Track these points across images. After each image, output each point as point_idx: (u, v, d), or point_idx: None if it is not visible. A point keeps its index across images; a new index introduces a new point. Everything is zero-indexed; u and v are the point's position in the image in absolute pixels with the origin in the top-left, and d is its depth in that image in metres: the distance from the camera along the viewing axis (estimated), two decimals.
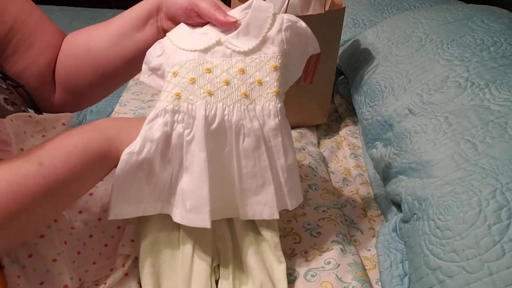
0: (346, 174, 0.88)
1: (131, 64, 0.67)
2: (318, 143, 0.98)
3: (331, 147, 0.96)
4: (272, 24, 0.56)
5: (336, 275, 0.60)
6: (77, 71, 0.69)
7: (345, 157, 0.94)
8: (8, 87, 0.62)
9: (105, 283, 0.53)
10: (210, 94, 0.53)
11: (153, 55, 0.57)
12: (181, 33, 0.57)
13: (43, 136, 0.55)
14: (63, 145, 0.48)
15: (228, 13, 0.56)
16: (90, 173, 0.51)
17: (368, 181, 0.86)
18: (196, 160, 0.52)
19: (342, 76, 1.17)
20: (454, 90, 0.75)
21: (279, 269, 0.59)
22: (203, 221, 0.53)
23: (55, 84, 0.71)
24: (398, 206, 0.73)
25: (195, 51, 0.55)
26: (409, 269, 0.62)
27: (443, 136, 0.68)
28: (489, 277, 0.51)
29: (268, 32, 0.56)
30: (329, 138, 1.00)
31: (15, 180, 0.44)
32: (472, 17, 0.89)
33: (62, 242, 0.53)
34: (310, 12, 0.88)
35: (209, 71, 0.53)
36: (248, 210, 0.57)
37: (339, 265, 0.62)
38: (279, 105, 0.54)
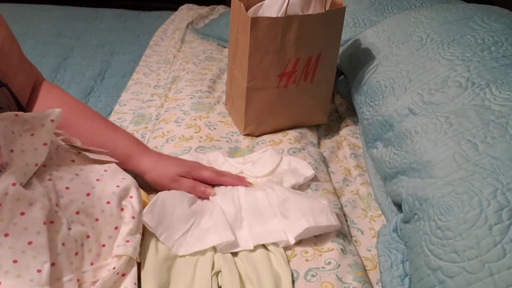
0: (346, 174, 0.88)
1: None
2: (318, 143, 0.97)
3: (332, 147, 0.96)
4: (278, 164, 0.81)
5: (336, 275, 0.60)
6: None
7: (345, 157, 0.93)
8: None
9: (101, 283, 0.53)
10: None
11: None
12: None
13: (32, 134, 0.54)
14: None
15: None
16: None
17: (369, 181, 0.86)
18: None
19: (342, 76, 1.17)
20: (455, 90, 0.74)
21: (286, 279, 0.59)
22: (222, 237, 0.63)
23: None
24: (399, 207, 0.73)
25: None
26: (409, 270, 0.62)
27: (443, 136, 0.67)
28: (490, 278, 0.51)
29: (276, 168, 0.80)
30: (330, 138, 1.00)
31: None
32: (472, 16, 0.89)
33: (60, 243, 0.53)
34: (310, 12, 0.88)
35: None
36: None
37: (339, 265, 0.62)
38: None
